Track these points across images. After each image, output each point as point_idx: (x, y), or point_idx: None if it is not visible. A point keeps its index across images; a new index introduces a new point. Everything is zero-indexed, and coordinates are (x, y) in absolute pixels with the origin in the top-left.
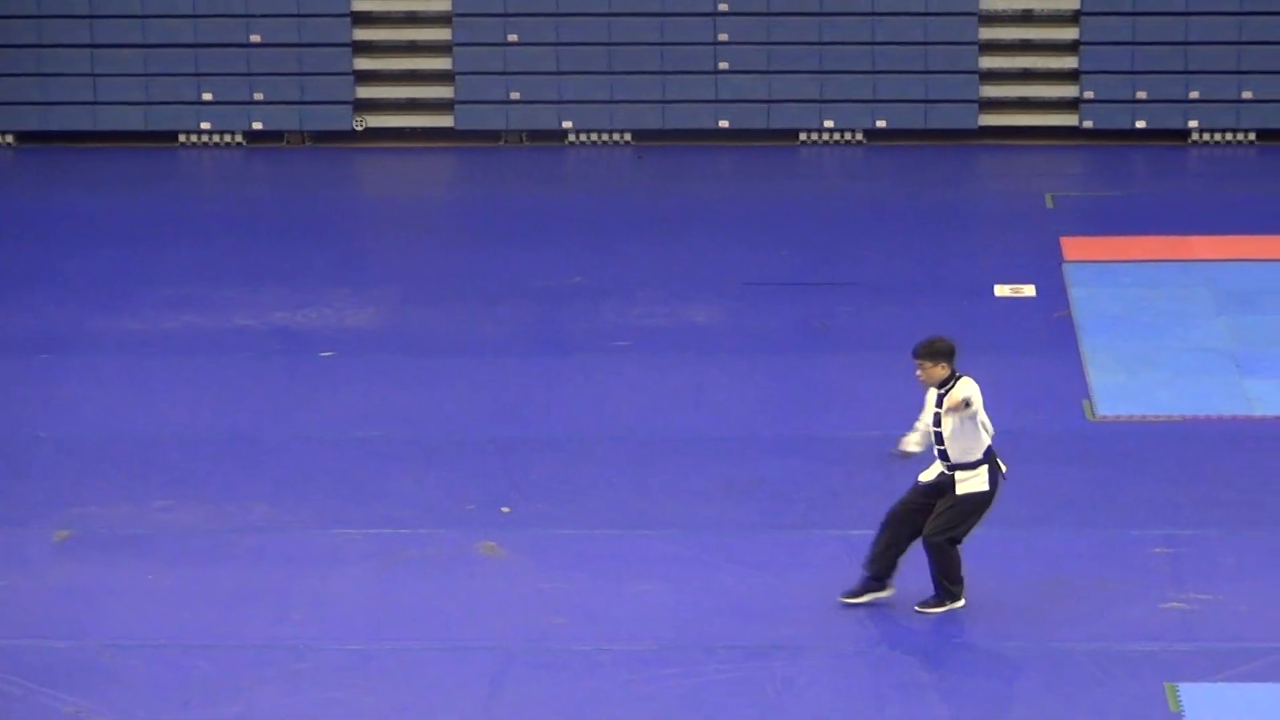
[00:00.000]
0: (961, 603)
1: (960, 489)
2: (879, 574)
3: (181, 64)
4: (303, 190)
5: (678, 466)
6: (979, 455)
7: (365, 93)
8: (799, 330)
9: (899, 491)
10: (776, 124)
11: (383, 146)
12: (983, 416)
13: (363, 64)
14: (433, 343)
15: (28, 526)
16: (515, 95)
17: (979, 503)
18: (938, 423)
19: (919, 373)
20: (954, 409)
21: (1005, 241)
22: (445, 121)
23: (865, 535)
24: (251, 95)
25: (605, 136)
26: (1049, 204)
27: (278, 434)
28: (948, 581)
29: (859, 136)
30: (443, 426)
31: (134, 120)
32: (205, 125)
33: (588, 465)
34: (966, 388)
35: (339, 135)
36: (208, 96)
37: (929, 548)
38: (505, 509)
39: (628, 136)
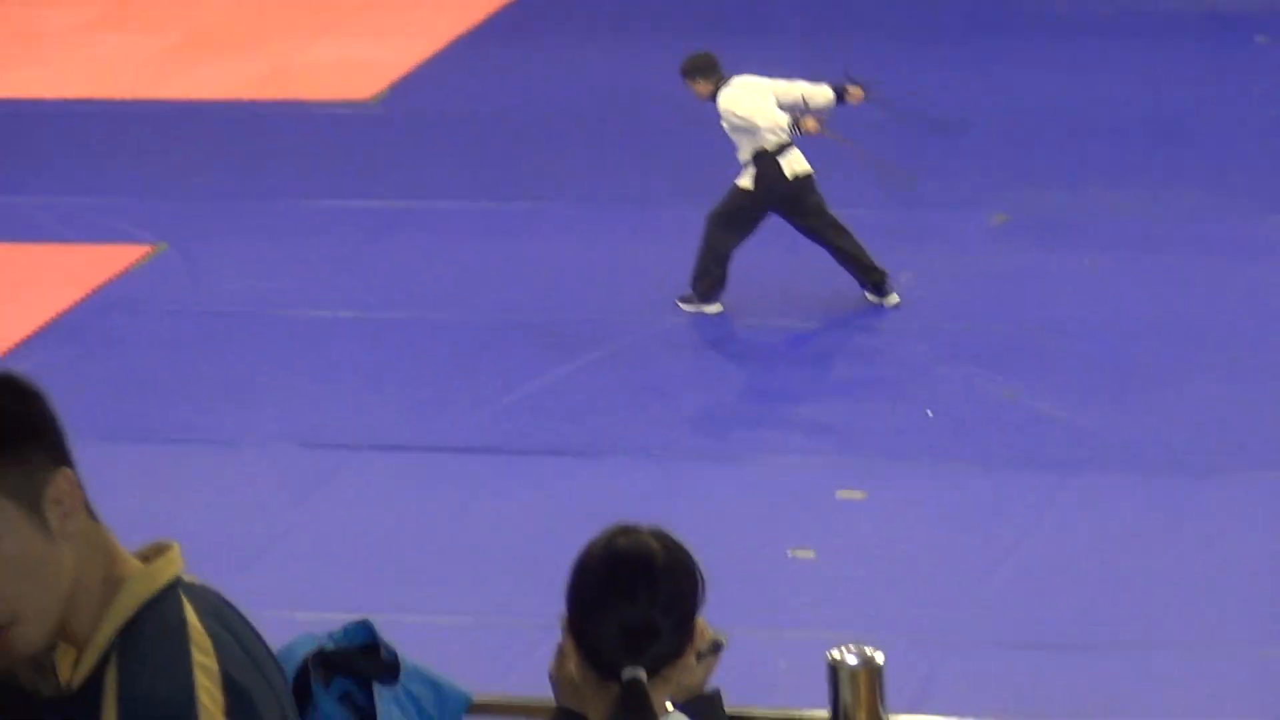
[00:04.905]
0: (716, 308)
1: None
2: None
3: None
4: None
5: None
6: (747, 156)
7: None
8: None
9: None
10: None
11: None
12: (743, 114)
13: None
14: None
15: (965, 210)
16: None
17: (743, 195)
18: None
19: (692, 91)
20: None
21: None
22: None
23: None
24: None
25: None
26: None
27: (1213, 119)
28: (698, 273)
29: None
30: None
31: None
32: None
33: None
34: (720, 100)
35: None
36: None
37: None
38: None
39: None
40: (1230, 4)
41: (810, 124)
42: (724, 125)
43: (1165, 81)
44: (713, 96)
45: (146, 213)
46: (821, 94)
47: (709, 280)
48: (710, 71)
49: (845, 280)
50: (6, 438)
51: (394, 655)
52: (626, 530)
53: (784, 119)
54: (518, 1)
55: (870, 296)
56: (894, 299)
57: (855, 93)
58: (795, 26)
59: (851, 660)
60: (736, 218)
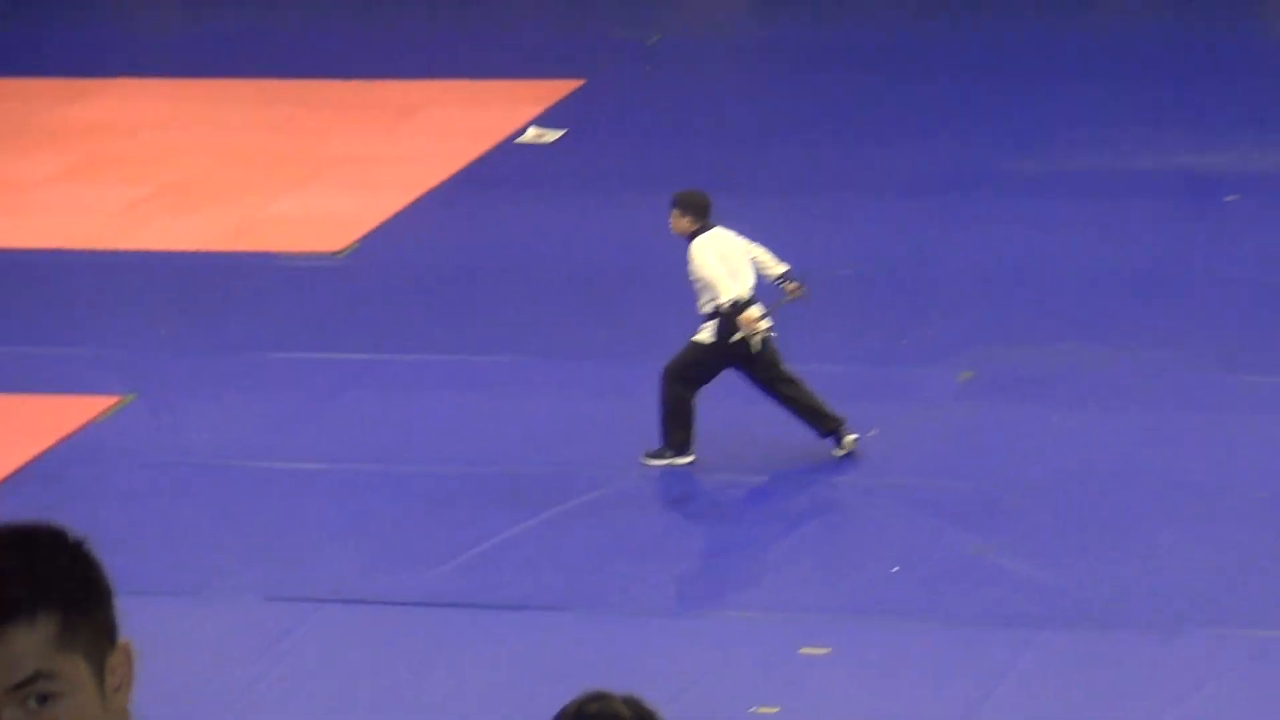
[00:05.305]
0: (689, 458)
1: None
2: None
3: None
4: (1208, 28)
5: None
6: (709, 309)
7: None
8: None
9: None
10: None
11: None
12: (709, 274)
13: None
14: None
15: (933, 367)
16: None
17: (701, 350)
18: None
19: (670, 220)
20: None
21: None
22: None
23: None
24: None
25: None
26: None
27: (1181, 276)
28: (668, 427)
29: None
30: None
31: None
32: None
33: None
34: (693, 246)
35: None
36: None
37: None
38: None
39: None
40: (1200, 164)
41: (749, 319)
42: (689, 270)
43: (1134, 239)
44: (690, 237)
45: (115, 363)
46: (775, 270)
47: (682, 434)
48: (698, 213)
49: (811, 435)
50: (88, 597)
51: None
52: (598, 697)
53: (737, 291)
54: (485, 157)
55: (835, 451)
56: (851, 439)
57: (791, 289)
58: (771, 185)
59: None
60: (692, 370)
